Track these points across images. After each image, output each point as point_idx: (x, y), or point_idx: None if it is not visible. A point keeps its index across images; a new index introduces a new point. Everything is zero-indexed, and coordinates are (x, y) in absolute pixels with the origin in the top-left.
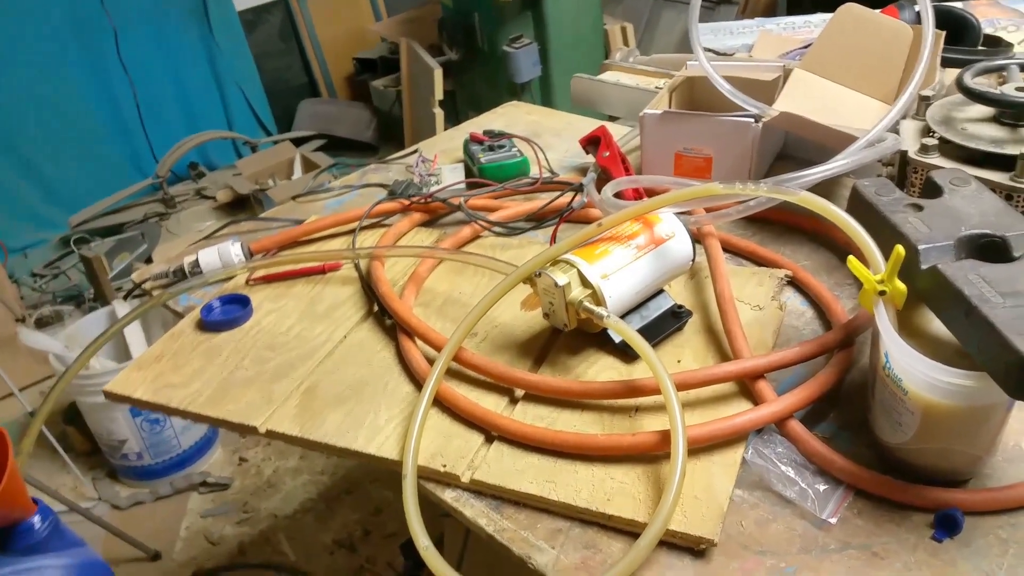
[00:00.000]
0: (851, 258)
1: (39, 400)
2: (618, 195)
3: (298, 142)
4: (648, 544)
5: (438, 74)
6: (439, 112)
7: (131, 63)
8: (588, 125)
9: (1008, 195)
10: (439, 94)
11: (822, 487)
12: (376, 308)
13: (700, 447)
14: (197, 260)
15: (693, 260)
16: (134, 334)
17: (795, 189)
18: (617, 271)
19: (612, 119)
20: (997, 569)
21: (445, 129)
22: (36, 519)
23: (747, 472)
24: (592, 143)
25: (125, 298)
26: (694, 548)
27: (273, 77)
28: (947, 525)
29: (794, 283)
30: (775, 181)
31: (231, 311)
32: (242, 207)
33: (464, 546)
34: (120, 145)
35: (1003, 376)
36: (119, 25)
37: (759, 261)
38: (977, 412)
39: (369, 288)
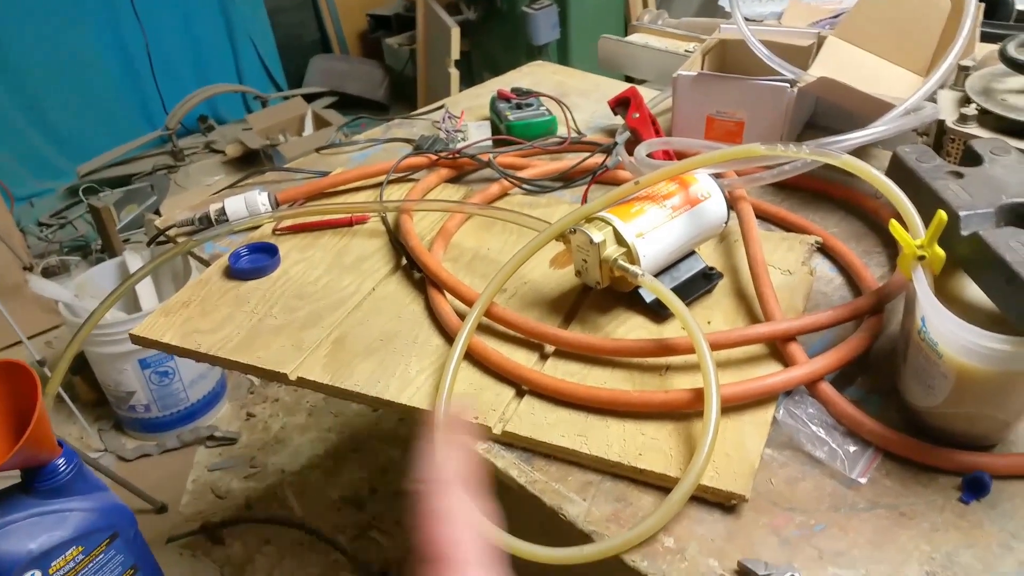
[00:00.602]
0: (893, 222)
1: (45, 350)
2: (650, 156)
3: (309, 99)
4: (681, 498)
5: (455, 33)
6: (454, 72)
7: (144, 12)
8: (614, 87)
9: None
10: (455, 54)
11: (852, 448)
12: (404, 262)
13: (732, 406)
14: (223, 208)
15: (727, 222)
16: (144, 285)
17: (838, 152)
18: (652, 230)
19: (634, 81)
20: None
21: (460, 90)
22: (61, 461)
23: (777, 432)
24: (621, 104)
25: (149, 244)
26: (724, 503)
27: (286, 32)
28: (975, 488)
29: (823, 250)
30: (817, 144)
31: (259, 259)
32: (251, 162)
33: None
34: (130, 95)
35: None
36: None
37: (788, 227)
38: (1012, 377)
39: (397, 241)
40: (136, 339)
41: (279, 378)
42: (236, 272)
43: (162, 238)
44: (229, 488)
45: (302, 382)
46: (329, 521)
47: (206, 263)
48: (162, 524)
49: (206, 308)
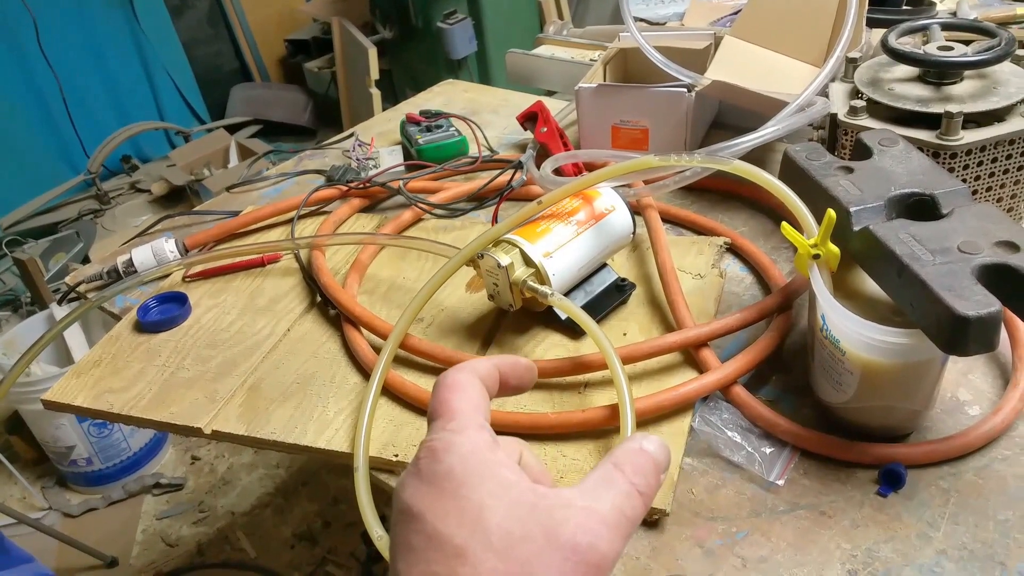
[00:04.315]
0: (784, 224)
1: None
2: (557, 171)
3: (233, 129)
4: None
5: (372, 53)
6: (376, 92)
7: (54, 55)
8: (525, 101)
9: (935, 153)
10: (375, 73)
11: (768, 450)
12: (319, 299)
13: (648, 418)
14: (131, 259)
15: (634, 233)
16: (75, 338)
17: (728, 158)
18: (559, 248)
19: (549, 93)
20: (939, 519)
21: (383, 109)
22: None
23: (695, 440)
24: (530, 119)
25: (60, 302)
26: (647, 519)
27: (204, 64)
28: (891, 480)
29: (733, 249)
30: (708, 151)
31: (169, 310)
32: (178, 199)
33: None
34: (49, 141)
35: (935, 332)
36: (39, 15)
37: (698, 229)
38: (913, 368)
39: (311, 278)
40: (48, 404)
41: (194, 433)
42: (146, 325)
43: (73, 294)
44: (179, 535)
45: (218, 435)
46: (283, 560)
47: (117, 317)
48: None
49: (117, 365)
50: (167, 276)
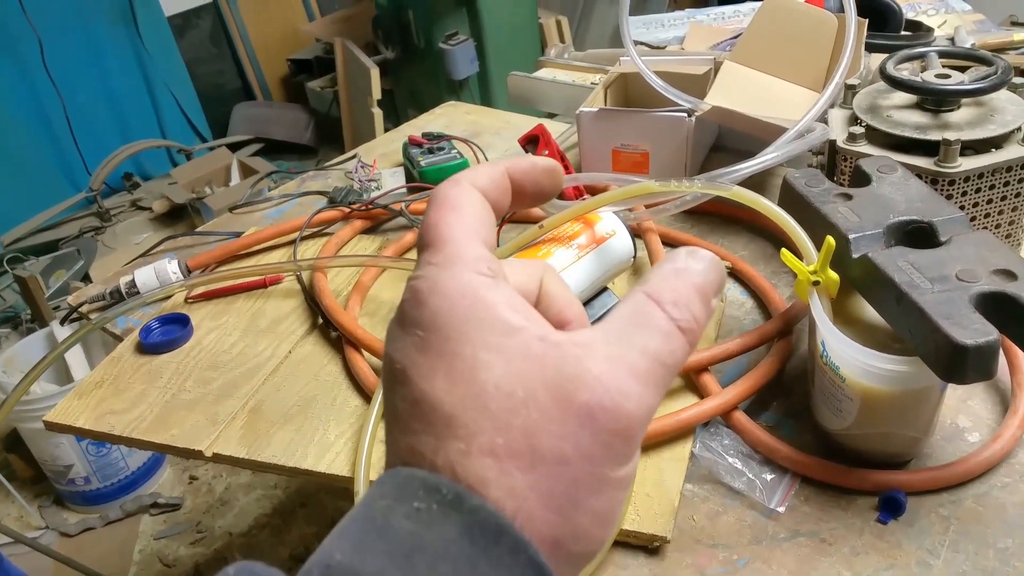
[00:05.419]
0: (784, 251)
1: None
2: (559, 194)
3: (235, 147)
4: (605, 547)
5: (375, 74)
6: (377, 112)
7: (58, 73)
8: (527, 123)
9: (933, 180)
10: (376, 94)
11: (769, 476)
12: (320, 321)
13: (649, 444)
14: (133, 280)
15: (634, 256)
16: (75, 357)
17: (727, 184)
18: (560, 272)
19: (550, 116)
20: (939, 546)
21: (385, 128)
22: None
23: (696, 466)
24: (531, 142)
25: (62, 322)
26: (648, 546)
27: (206, 82)
28: (891, 507)
29: (733, 273)
30: (708, 177)
31: (171, 331)
32: (179, 217)
33: None
34: (51, 158)
35: (934, 360)
36: (43, 34)
37: None
38: (913, 395)
39: (312, 300)
40: (50, 425)
41: (195, 455)
42: (148, 347)
43: (76, 314)
44: (177, 556)
45: (218, 458)
46: None
47: (119, 338)
48: None
49: (119, 387)
50: (169, 297)
